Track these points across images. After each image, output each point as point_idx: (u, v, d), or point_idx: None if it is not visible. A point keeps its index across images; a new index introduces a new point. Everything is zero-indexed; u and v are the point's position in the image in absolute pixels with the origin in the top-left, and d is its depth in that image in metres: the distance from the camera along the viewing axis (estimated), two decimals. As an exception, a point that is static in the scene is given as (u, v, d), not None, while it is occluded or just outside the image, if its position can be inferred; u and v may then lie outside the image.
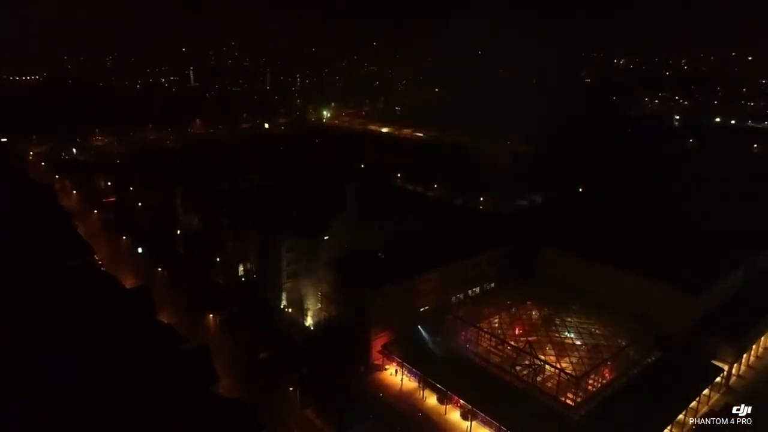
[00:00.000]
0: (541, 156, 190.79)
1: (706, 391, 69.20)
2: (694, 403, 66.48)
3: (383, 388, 73.92)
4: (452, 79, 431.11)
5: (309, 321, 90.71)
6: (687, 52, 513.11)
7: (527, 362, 67.43)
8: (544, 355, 68.26)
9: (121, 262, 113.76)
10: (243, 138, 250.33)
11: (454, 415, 67.38)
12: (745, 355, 77.48)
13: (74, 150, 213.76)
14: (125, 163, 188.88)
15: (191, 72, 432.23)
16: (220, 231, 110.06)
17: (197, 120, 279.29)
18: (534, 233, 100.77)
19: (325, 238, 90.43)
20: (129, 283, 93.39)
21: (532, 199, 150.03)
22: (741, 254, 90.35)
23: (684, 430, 64.61)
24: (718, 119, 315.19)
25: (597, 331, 72.73)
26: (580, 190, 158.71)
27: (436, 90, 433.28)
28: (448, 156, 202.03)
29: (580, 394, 62.71)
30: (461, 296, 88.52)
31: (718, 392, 72.30)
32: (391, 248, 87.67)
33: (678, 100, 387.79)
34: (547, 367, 66.12)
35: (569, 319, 75.76)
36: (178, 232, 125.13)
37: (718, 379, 71.30)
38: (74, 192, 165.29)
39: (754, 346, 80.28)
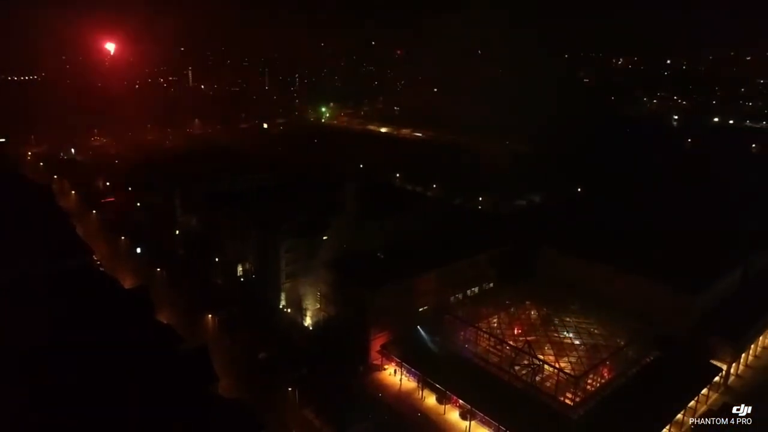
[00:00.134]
0: (540, 156, 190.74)
1: (704, 391, 69.34)
2: (692, 403, 66.63)
3: (382, 388, 73.98)
4: (451, 79, 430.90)
5: (308, 321, 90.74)
6: (686, 52, 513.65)
7: (526, 362, 67.53)
8: (543, 354, 68.34)
9: (120, 263, 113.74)
10: (242, 138, 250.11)
11: (453, 414, 67.45)
12: (743, 355, 77.65)
13: (72, 150, 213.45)
14: (123, 163, 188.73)
15: (190, 72, 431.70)
16: (219, 231, 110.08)
17: (196, 120, 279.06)
18: (533, 233, 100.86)
19: (324, 238, 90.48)
20: (128, 283, 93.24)
21: (531, 199, 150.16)
22: (740, 254, 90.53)
23: (683, 429, 64.76)
24: (716, 119, 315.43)
25: (596, 331, 72.82)
26: (579, 189, 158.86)
27: (435, 90, 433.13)
28: (447, 156, 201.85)
29: (579, 393, 62.79)
30: (460, 296, 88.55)
31: (717, 392, 72.47)
32: (390, 248, 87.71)
33: (676, 100, 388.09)
34: (545, 366, 66.21)
35: (568, 319, 75.84)
36: (177, 232, 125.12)
37: (716, 378, 71.51)
38: (72, 192, 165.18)
39: (752, 346, 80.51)
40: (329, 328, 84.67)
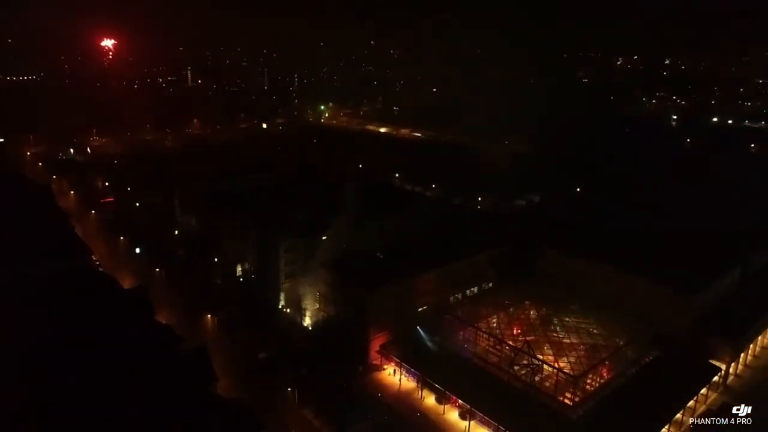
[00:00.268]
0: (540, 156, 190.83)
1: (703, 391, 69.47)
2: (691, 403, 66.73)
3: (382, 388, 74.00)
4: (450, 79, 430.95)
5: (307, 321, 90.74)
6: (685, 52, 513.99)
7: (525, 362, 67.58)
8: (542, 354, 68.40)
9: (119, 263, 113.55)
10: (241, 138, 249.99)
11: (452, 414, 67.47)
12: (742, 355, 77.84)
13: (71, 150, 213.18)
14: (123, 163, 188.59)
15: (189, 72, 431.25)
16: (219, 231, 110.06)
17: (195, 120, 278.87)
18: (533, 233, 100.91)
19: (323, 238, 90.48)
20: (127, 283, 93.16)
21: (530, 199, 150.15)
22: (739, 253, 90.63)
23: (682, 429, 64.86)
24: (715, 119, 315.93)
25: (595, 331, 72.94)
26: (579, 190, 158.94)
27: (434, 90, 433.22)
28: (447, 156, 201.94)
29: (578, 393, 62.87)
30: (460, 296, 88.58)
31: (716, 391, 72.60)
32: (389, 248, 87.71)
33: (675, 99, 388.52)
34: (545, 366, 66.31)
35: (567, 319, 75.93)
36: (176, 232, 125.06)
37: (715, 378, 71.63)
38: (72, 192, 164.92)
39: (751, 346, 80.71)
40: (329, 328, 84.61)
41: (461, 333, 75.22)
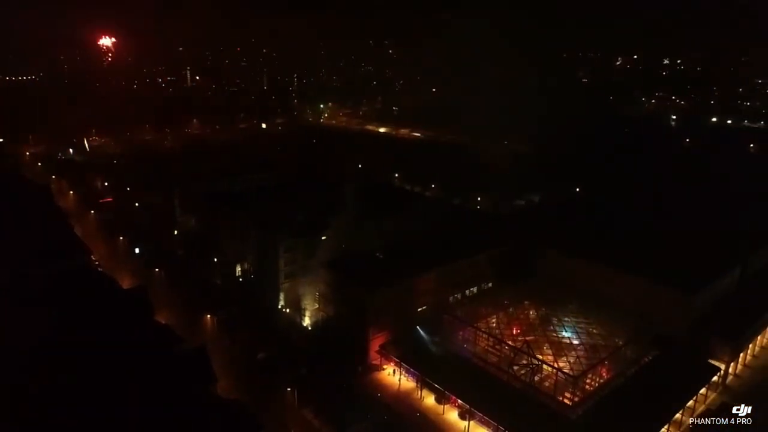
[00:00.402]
0: (540, 156, 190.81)
1: (703, 390, 69.47)
2: (691, 402, 66.72)
3: (381, 388, 73.99)
4: (450, 79, 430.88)
5: (307, 321, 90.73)
6: (685, 52, 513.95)
7: (525, 362, 67.60)
8: (541, 354, 68.42)
9: (119, 263, 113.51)
10: (240, 138, 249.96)
11: (452, 414, 67.45)
12: (741, 354, 77.85)
13: (71, 150, 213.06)
14: (122, 163, 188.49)
15: (188, 72, 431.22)
16: (218, 231, 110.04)
17: (194, 120, 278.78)
18: (533, 233, 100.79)
19: (323, 238, 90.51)
20: (126, 283, 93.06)
21: (530, 199, 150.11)
22: (738, 253, 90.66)
23: (681, 429, 64.88)
24: (714, 119, 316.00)
25: (594, 331, 72.95)
26: (578, 190, 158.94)
27: (434, 90, 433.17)
28: (446, 156, 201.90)
29: (578, 393, 62.89)
30: (459, 296, 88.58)
31: (715, 391, 72.60)
32: (388, 248, 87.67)
33: (675, 99, 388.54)
34: (544, 366, 66.32)
35: (567, 319, 75.94)
36: (176, 232, 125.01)
37: (714, 378, 71.64)
38: (71, 192, 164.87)
39: (750, 345, 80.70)
40: (328, 328, 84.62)
41: (461, 333, 75.24)
